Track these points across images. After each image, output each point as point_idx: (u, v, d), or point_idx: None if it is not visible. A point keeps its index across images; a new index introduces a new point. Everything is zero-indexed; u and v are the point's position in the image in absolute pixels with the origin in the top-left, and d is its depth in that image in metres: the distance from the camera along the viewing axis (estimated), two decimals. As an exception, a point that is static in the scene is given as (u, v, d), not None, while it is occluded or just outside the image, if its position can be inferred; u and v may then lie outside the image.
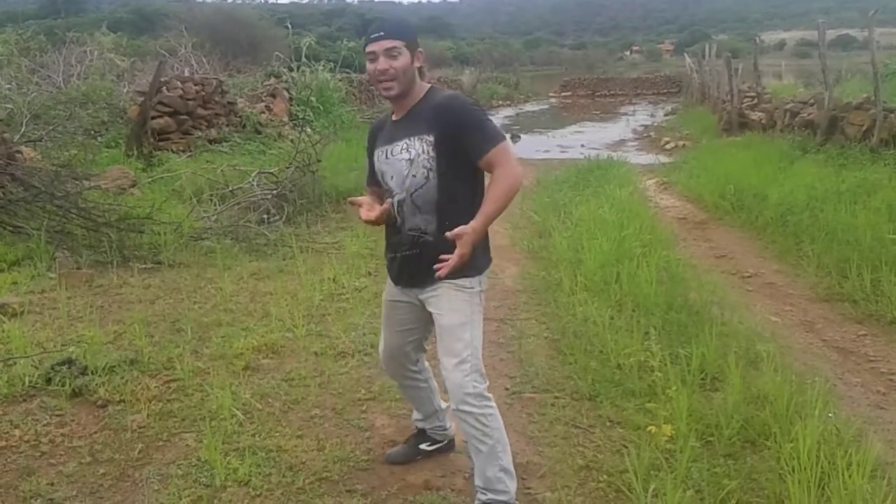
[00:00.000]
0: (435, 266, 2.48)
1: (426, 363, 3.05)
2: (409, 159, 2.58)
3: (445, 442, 3.20)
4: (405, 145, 2.59)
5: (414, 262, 2.65)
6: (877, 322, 4.97)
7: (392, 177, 2.64)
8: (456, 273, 2.48)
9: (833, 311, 5.27)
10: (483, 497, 2.65)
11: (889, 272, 5.26)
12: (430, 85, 2.68)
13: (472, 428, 2.59)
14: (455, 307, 2.61)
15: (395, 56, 2.52)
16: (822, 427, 2.99)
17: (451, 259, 2.44)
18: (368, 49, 2.55)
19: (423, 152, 2.55)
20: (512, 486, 2.67)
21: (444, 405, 3.11)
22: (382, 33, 2.53)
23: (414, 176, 2.58)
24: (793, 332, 4.88)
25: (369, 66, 2.57)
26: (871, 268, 5.41)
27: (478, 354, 2.61)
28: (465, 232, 2.43)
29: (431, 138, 2.54)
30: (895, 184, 7.44)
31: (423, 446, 3.18)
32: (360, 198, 2.75)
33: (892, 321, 4.86)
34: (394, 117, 2.71)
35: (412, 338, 2.90)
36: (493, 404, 2.63)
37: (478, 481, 2.67)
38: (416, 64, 2.59)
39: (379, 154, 2.71)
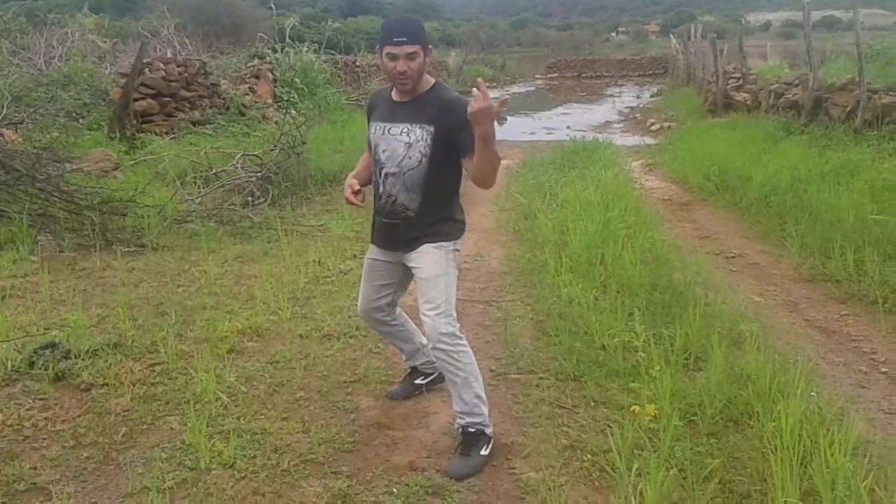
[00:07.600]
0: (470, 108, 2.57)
1: (399, 309, 3.39)
2: (407, 143, 2.91)
3: (437, 374, 3.50)
4: (406, 129, 2.92)
5: (397, 230, 3.03)
6: (859, 302, 5.01)
7: (384, 151, 2.97)
8: (433, 238, 2.97)
9: (816, 291, 5.31)
10: (462, 420, 3.04)
11: (872, 252, 5.30)
12: (434, 80, 2.97)
13: (445, 364, 2.96)
14: (433, 261, 2.98)
15: (413, 59, 2.79)
16: (804, 406, 3.01)
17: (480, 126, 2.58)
18: (390, 50, 2.77)
19: (422, 139, 2.88)
20: (485, 409, 3.05)
21: (425, 340, 3.27)
22: (405, 39, 2.76)
23: (409, 158, 2.92)
24: (776, 311, 4.91)
25: (388, 64, 2.80)
26: (854, 248, 5.45)
27: (451, 301, 2.97)
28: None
29: (432, 129, 2.87)
30: (878, 164, 7.48)
31: (418, 381, 3.58)
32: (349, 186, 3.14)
33: (874, 301, 4.89)
34: (395, 97, 2.98)
35: (387, 293, 3.25)
36: (465, 342, 3.00)
37: (456, 407, 3.04)
38: (427, 61, 2.86)
39: (375, 128, 3.03)
